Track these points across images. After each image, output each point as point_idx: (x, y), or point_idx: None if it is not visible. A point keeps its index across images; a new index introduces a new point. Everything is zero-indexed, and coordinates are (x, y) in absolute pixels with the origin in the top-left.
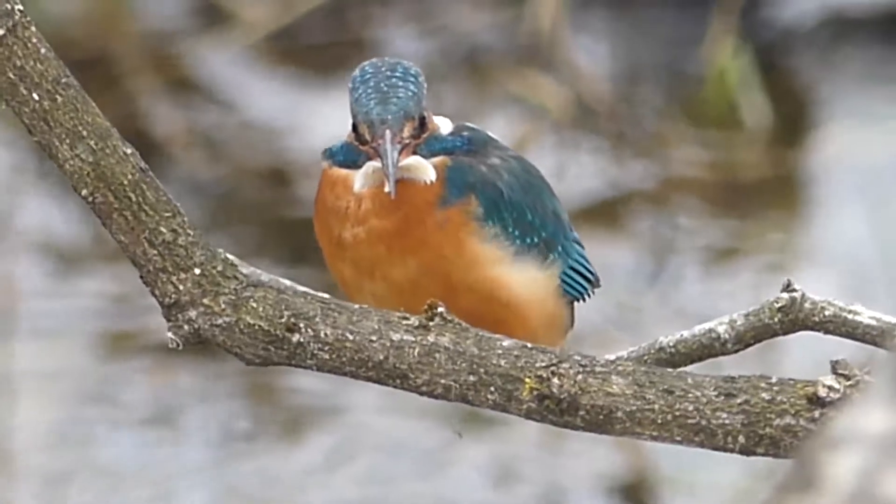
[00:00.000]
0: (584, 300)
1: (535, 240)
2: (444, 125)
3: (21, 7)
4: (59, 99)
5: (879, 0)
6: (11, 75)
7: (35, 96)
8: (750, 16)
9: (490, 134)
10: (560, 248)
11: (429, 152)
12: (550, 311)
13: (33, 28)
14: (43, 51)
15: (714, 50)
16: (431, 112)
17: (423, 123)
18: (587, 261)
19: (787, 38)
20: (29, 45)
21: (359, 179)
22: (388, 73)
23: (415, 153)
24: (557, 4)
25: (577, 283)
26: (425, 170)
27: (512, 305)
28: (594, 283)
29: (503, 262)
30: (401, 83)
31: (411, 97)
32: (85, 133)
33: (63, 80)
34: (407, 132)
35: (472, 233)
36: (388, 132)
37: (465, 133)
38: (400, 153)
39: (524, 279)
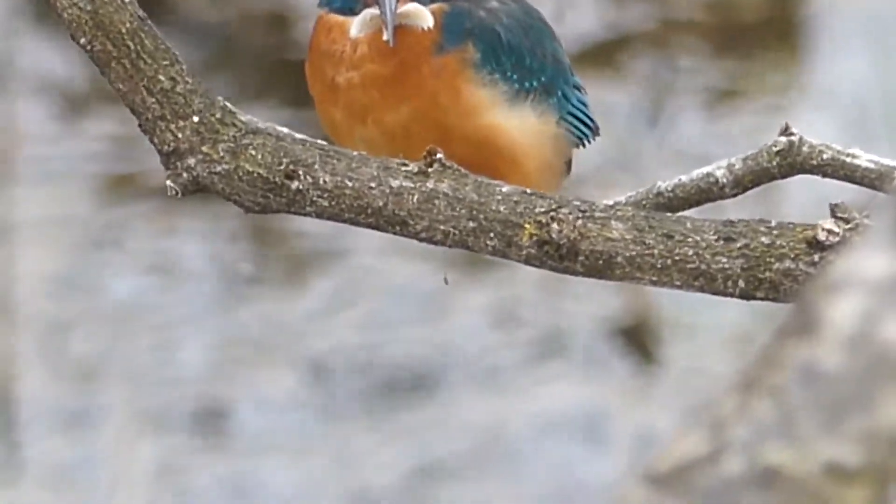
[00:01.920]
0: (582, 146)
1: (534, 84)
2: None
3: None
4: None
5: None
6: None
7: None
8: None
9: None
10: (560, 93)
11: None
12: (547, 157)
13: None
14: None
15: None
16: None
17: None
18: (587, 107)
19: None
20: None
21: (355, 26)
22: None
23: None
24: None
25: (577, 129)
26: (423, 16)
27: (507, 152)
28: (594, 130)
29: (499, 109)
30: None
31: None
32: None
33: None
34: None
35: (468, 80)
36: None
37: None
38: (398, 0)
39: (521, 125)
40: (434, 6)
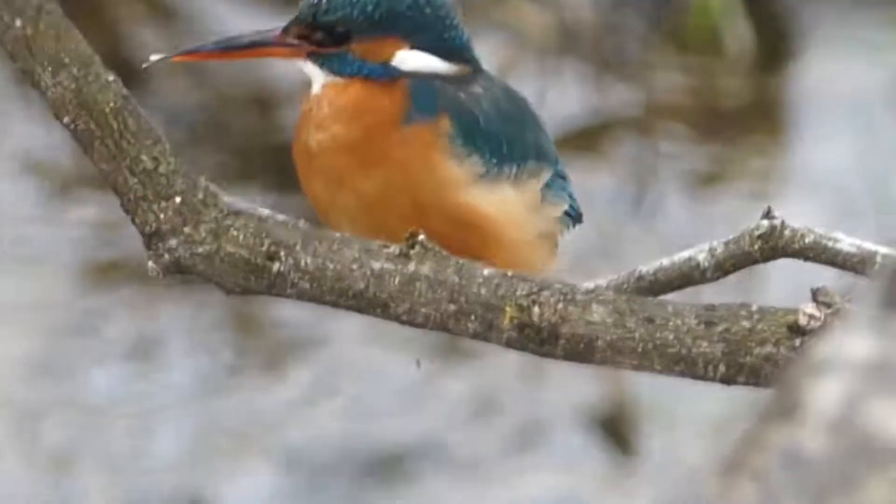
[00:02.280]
0: (564, 234)
1: (514, 169)
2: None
3: None
4: (42, 26)
5: None
6: None
7: (17, 23)
8: None
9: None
10: (543, 181)
11: (337, 70)
12: (528, 237)
13: None
14: None
15: None
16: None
17: (339, 36)
18: (571, 195)
19: None
20: None
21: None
22: None
23: (318, 63)
24: None
25: (559, 216)
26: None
27: (485, 231)
28: (576, 217)
29: (477, 186)
30: None
31: (333, 2)
32: (67, 60)
33: (46, 7)
34: (294, 34)
35: (442, 152)
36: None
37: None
38: (263, 46)
39: (500, 204)
40: (400, 80)
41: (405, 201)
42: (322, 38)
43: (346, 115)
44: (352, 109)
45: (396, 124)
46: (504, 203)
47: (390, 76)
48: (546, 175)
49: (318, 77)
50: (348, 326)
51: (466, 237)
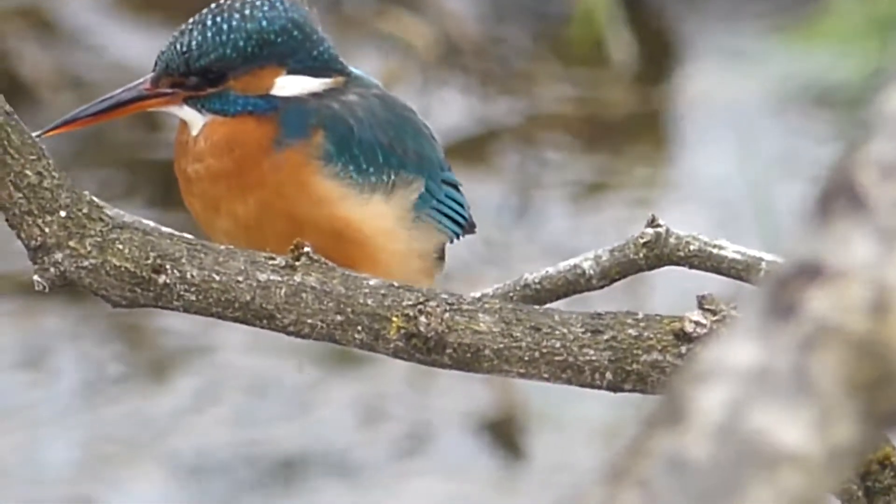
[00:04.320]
0: (450, 242)
1: (391, 177)
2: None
3: None
4: None
5: None
6: None
7: None
8: None
9: (361, 73)
10: (423, 188)
11: (219, 110)
12: (403, 250)
13: None
14: None
15: None
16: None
17: (215, 77)
18: (458, 203)
19: None
20: None
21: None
22: (219, 10)
23: (197, 107)
24: None
25: (442, 225)
26: (191, 123)
27: (360, 243)
28: (465, 226)
29: (351, 200)
30: (212, 24)
31: (203, 46)
32: None
33: None
34: (166, 84)
35: (313, 172)
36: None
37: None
38: (137, 102)
39: (374, 217)
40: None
41: (281, 221)
42: (197, 81)
43: (219, 150)
44: (224, 143)
45: (267, 151)
46: (377, 216)
47: (273, 107)
48: (422, 184)
49: (196, 119)
50: (235, 335)
51: (343, 251)
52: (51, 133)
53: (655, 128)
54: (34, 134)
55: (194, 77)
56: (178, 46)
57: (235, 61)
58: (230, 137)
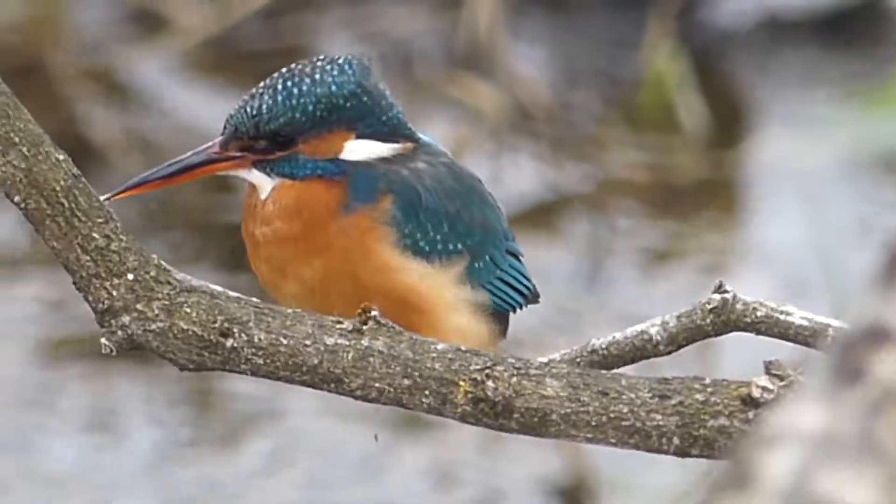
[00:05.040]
0: (513, 312)
1: (458, 247)
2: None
3: None
4: None
5: (815, 2)
6: None
7: None
8: (686, 18)
9: (429, 139)
10: (487, 258)
11: (289, 173)
12: (464, 320)
13: None
14: None
15: (651, 53)
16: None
17: (284, 141)
18: (522, 273)
19: (723, 40)
20: None
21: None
22: (289, 75)
23: (266, 170)
24: (494, 8)
25: (506, 295)
26: (259, 187)
27: (423, 311)
28: (528, 296)
29: (415, 268)
30: (283, 89)
31: (273, 110)
32: (17, 139)
33: None
34: (235, 148)
35: (380, 238)
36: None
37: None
38: (207, 165)
39: (437, 286)
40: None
41: (347, 286)
42: (266, 145)
43: (287, 213)
44: (292, 207)
45: (335, 216)
46: (440, 285)
47: (341, 171)
48: (487, 254)
49: (265, 182)
50: (305, 399)
51: (406, 317)
52: (119, 196)
53: (725, 194)
54: (102, 197)
55: (263, 141)
56: (248, 110)
57: (305, 125)
58: (299, 201)
